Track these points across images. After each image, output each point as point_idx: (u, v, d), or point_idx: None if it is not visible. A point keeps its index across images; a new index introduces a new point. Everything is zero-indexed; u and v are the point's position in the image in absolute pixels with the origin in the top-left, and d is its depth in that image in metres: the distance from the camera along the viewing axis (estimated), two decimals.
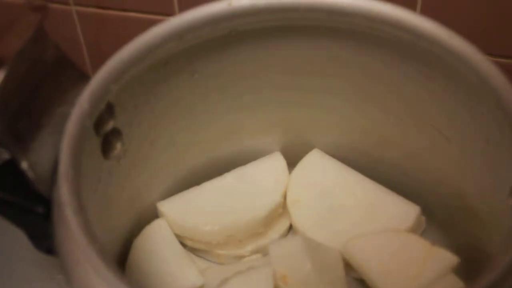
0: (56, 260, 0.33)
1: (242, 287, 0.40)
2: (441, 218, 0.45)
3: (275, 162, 0.49)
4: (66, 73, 0.36)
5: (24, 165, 0.32)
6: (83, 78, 0.36)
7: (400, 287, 0.40)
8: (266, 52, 0.42)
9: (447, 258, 0.41)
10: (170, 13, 0.54)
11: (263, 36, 0.41)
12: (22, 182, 0.33)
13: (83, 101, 0.34)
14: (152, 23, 0.38)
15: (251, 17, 0.39)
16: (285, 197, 0.47)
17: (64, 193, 0.30)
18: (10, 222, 0.35)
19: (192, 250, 0.46)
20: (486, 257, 0.37)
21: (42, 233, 0.33)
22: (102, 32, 0.59)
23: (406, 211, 0.45)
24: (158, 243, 0.44)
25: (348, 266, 0.44)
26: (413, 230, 0.44)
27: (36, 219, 0.33)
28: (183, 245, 0.45)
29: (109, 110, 0.37)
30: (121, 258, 0.43)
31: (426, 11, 0.47)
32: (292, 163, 0.49)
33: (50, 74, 0.35)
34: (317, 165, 0.48)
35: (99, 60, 0.36)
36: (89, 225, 0.30)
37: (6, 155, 0.33)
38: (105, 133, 0.37)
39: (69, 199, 0.30)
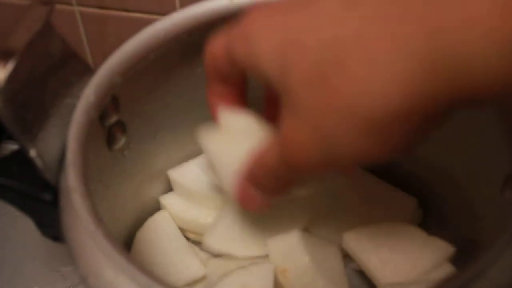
0: (62, 250, 0.33)
1: (243, 280, 0.41)
2: (437, 210, 0.46)
3: None
4: (72, 66, 0.37)
5: (32, 153, 0.33)
6: (89, 71, 0.37)
7: (398, 277, 0.40)
8: None
9: (443, 247, 0.41)
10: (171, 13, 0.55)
11: None
12: (30, 171, 0.33)
13: (89, 93, 0.35)
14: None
15: None
16: None
17: (71, 178, 0.31)
18: (19, 210, 0.35)
19: (195, 243, 0.46)
20: (481, 248, 0.38)
21: (50, 220, 0.34)
22: (104, 32, 0.59)
23: (403, 204, 0.45)
24: (161, 234, 0.44)
25: (347, 258, 0.44)
26: (410, 221, 0.45)
27: (44, 206, 0.34)
28: (186, 238, 0.46)
29: (113, 103, 0.38)
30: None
31: None
32: None
33: (57, 67, 0.36)
34: None
35: (102, 59, 0.37)
36: (96, 209, 0.30)
37: (14, 146, 0.34)
38: (109, 125, 0.38)
39: (77, 185, 0.31)
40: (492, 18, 0.20)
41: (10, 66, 0.31)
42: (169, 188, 0.47)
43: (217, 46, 0.32)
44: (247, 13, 0.29)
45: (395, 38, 0.22)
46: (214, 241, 0.43)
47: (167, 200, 0.46)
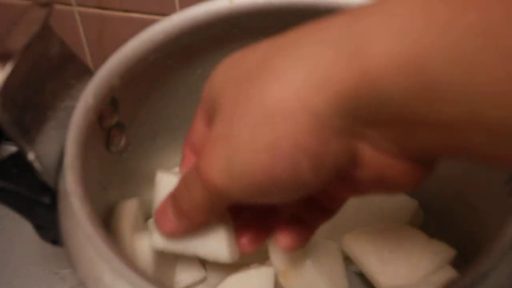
0: (60, 254, 0.33)
1: (244, 283, 0.40)
2: (438, 212, 0.46)
3: None
4: (71, 68, 0.36)
5: (31, 156, 0.33)
6: (87, 73, 0.37)
7: (399, 280, 0.40)
8: None
9: (444, 250, 0.41)
10: (171, 14, 0.55)
11: (265, 32, 0.41)
12: (28, 174, 0.33)
13: (88, 96, 0.35)
14: (153, 23, 0.38)
15: (252, 15, 0.40)
16: None
17: (70, 181, 0.31)
18: (17, 213, 0.35)
19: None
20: (482, 250, 0.38)
21: (48, 223, 0.34)
22: (103, 32, 0.59)
23: (404, 205, 0.45)
24: None
25: (347, 260, 0.44)
26: (411, 223, 0.45)
27: (42, 209, 0.34)
28: None
29: (112, 105, 0.38)
30: None
31: None
32: None
33: (55, 69, 0.36)
34: None
35: (101, 60, 0.37)
36: (94, 213, 0.30)
37: (12, 148, 0.34)
38: (108, 127, 0.38)
39: (75, 188, 0.31)
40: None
41: (8, 69, 0.31)
42: None
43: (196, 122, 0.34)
44: (216, 67, 0.31)
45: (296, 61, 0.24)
46: None
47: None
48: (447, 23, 0.20)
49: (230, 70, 0.29)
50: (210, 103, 0.29)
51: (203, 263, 0.44)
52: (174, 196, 0.31)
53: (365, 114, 0.23)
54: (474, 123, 0.21)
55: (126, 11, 0.57)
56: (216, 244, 0.33)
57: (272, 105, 0.24)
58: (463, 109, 0.21)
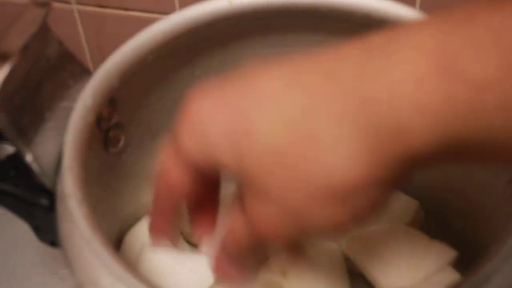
0: (59, 254, 0.33)
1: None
2: (439, 213, 0.45)
3: None
4: (69, 69, 0.36)
5: (28, 158, 0.32)
6: (86, 73, 0.37)
7: (399, 280, 0.40)
8: (267, 49, 0.42)
9: (445, 252, 0.41)
10: (170, 12, 0.55)
11: (264, 33, 0.41)
12: (26, 175, 0.33)
13: (86, 96, 0.35)
14: (153, 21, 0.38)
15: (252, 15, 0.40)
16: None
17: (68, 184, 0.31)
18: (15, 214, 0.35)
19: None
20: (484, 252, 0.38)
21: (47, 225, 0.33)
22: (103, 30, 0.59)
23: (405, 206, 0.45)
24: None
25: (348, 261, 0.44)
26: (412, 224, 0.45)
27: (40, 211, 0.34)
28: (189, 242, 0.45)
29: (111, 105, 0.37)
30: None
31: (425, 8, 0.48)
32: None
33: (53, 70, 0.35)
34: None
35: (100, 58, 0.36)
36: (93, 215, 0.30)
37: (10, 149, 0.34)
38: (107, 127, 0.38)
39: (73, 191, 0.31)
40: (417, 91, 0.22)
41: (5, 70, 0.31)
42: None
43: (168, 164, 0.29)
44: (187, 103, 0.28)
45: (332, 114, 0.23)
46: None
47: None
48: None
49: (221, 116, 0.26)
50: (205, 159, 0.27)
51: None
52: (226, 251, 0.30)
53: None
54: None
55: (125, 9, 0.57)
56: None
57: (338, 186, 0.24)
58: None
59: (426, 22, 0.23)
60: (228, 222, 0.30)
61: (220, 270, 0.31)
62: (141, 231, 0.44)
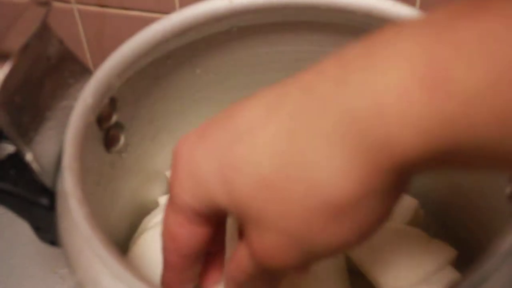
0: (59, 253, 0.33)
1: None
2: (439, 212, 0.45)
3: None
4: (70, 68, 0.36)
5: (29, 157, 0.32)
6: (86, 72, 0.37)
7: (399, 280, 0.40)
8: (267, 48, 0.42)
9: (445, 251, 0.41)
10: (170, 12, 0.55)
11: (264, 32, 0.41)
12: (26, 174, 0.33)
13: (87, 96, 0.35)
14: (153, 21, 0.38)
15: (252, 14, 0.40)
16: None
17: (68, 184, 0.31)
18: (15, 214, 0.35)
19: None
20: (484, 251, 0.38)
21: (47, 224, 0.33)
22: (103, 30, 0.59)
23: (404, 205, 0.45)
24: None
25: (347, 260, 0.44)
26: (412, 223, 0.44)
27: (41, 210, 0.34)
28: None
29: (111, 105, 0.37)
30: (122, 250, 0.43)
31: (425, 7, 0.48)
32: None
33: (54, 69, 0.35)
34: None
35: (100, 58, 0.36)
36: (93, 215, 0.30)
37: (10, 148, 0.34)
38: (107, 127, 0.38)
39: (73, 190, 0.31)
40: (401, 102, 0.21)
41: (5, 69, 0.31)
42: (167, 190, 0.47)
43: (170, 220, 0.29)
44: (175, 153, 0.28)
45: (319, 134, 0.23)
46: None
47: (165, 200, 0.46)
48: None
49: (209, 154, 0.26)
50: (201, 202, 0.27)
51: None
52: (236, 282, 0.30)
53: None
54: None
55: (125, 8, 0.57)
56: None
57: (335, 202, 0.23)
58: None
59: (408, 27, 0.22)
60: (232, 255, 0.29)
61: None
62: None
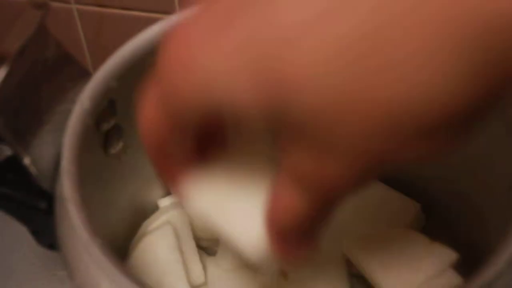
0: (58, 255, 0.33)
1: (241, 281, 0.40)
2: (440, 215, 0.45)
3: None
4: (68, 71, 0.36)
5: (26, 160, 0.32)
6: (85, 75, 0.37)
7: (401, 283, 0.40)
8: None
9: (446, 254, 0.41)
10: (170, 12, 0.55)
11: None
12: (24, 178, 0.33)
13: (85, 99, 0.35)
14: (153, 21, 0.38)
15: None
16: None
17: (66, 188, 0.31)
18: (13, 218, 0.35)
19: (208, 251, 0.46)
20: (485, 254, 0.37)
21: (45, 228, 0.33)
22: (102, 30, 0.59)
23: (405, 208, 0.45)
24: (161, 244, 0.43)
25: (348, 263, 0.44)
26: (413, 226, 0.44)
27: (39, 214, 0.34)
28: (200, 247, 0.45)
29: (110, 107, 0.37)
30: (121, 254, 0.43)
31: None
32: None
33: (52, 71, 0.35)
34: None
35: (100, 58, 0.36)
36: (91, 219, 0.30)
37: (8, 152, 0.34)
38: (106, 130, 0.38)
39: (72, 194, 0.30)
40: None
41: (2, 72, 0.31)
42: (167, 192, 0.47)
43: (150, 112, 0.23)
44: (170, 39, 0.21)
45: (414, 16, 0.17)
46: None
47: (165, 203, 0.46)
48: None
49: (227, 45, 0.19)
50: (205, 106, 0.21)
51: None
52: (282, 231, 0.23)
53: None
54: None
55: (125, 8, 0.57)
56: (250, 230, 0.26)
57: (436, 114, 0.18)
58: None
59: None
60: (273, 193, 0.22)
61: (282, 253, 0.24)
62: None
